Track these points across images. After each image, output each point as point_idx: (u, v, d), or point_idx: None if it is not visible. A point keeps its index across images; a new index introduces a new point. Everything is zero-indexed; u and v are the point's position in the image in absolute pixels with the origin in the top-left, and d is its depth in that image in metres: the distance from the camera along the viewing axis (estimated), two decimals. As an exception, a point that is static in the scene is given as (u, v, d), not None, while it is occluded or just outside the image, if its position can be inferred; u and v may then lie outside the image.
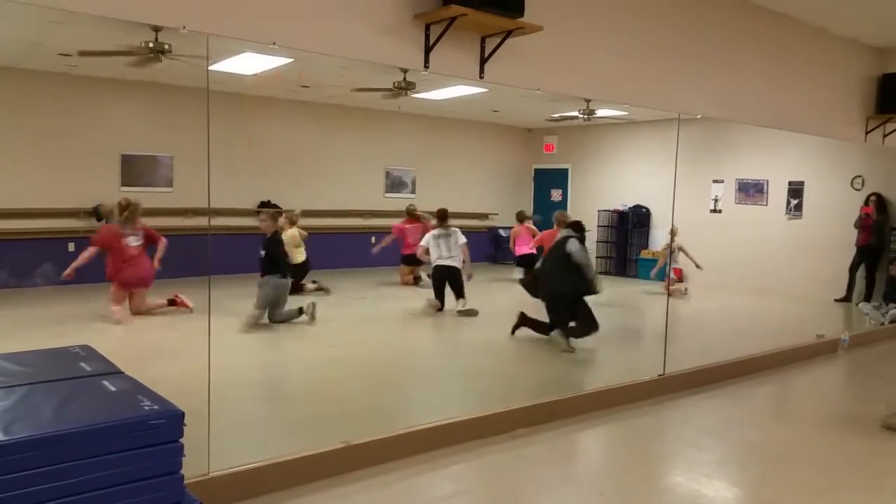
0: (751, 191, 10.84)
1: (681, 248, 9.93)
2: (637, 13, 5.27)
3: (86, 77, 9.05)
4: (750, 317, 9.04)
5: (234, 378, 5.13)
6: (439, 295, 8.08)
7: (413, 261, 9.37)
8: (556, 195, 13.48)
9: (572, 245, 6.45)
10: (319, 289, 8.81)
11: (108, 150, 9.42)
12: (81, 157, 9.20)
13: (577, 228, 6.68)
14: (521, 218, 10.25)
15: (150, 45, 6.23)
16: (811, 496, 3.59)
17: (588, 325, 6.45)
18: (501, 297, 9.66)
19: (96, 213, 9.22)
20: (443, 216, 8.35)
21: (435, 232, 8.24)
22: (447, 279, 8.05)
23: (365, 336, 7.09)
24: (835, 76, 7.16)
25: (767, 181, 10.62)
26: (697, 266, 9.78)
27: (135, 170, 9.66)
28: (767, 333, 7.62)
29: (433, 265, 8.17)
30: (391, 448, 3.79)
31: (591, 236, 12.52)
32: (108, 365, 3.04)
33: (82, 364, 3.01)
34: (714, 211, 11.10)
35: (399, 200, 11.94)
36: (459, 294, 8.01)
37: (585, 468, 3.98)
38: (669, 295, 7.28)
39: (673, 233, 9.67)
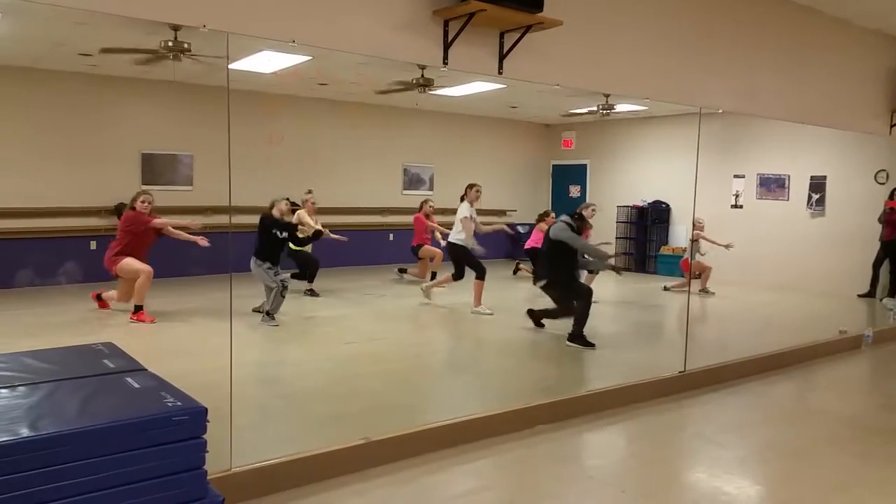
0: (772, 186, 10.73)
1: (700, 237, 9.70)
2: (657, 7, 5.22)
3: (106, 76, 9.14)
4: (772, 313, 8.95)
5: (254, 375, 5.17)
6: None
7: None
8: (574, 191, 13.44)
9: (554, 228, 6.57)
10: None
11: (128, 148, 9.51)
12: (102, 156, 9.29)
13: (571, 217, 6.73)
14: (540, 217, 10.30)
15: (170, 44, 6.28)
16: (834, 494, 3.55)
17: (560, 310, 6.63)
18: (520, 293, 9.64)
19: (118, 211, 9.31)
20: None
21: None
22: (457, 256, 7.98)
23: (383, 333, 7.11)
24: (858, 69, 7.05)
25: (789, 176, 10.51)
26: (727, 246, 9.50)
27: (155, 168, 9.75)
28: (790, 329, 7.54)
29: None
30: (411, 444, 3.80)
31: (611, 232, 12.49)
32: (131, 362, 3.07)
33: (106, 361, 3.05)
34: (735, 206, 11.01)
35: (416, 197, 11.96)
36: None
37: (606, 465, 3.96)
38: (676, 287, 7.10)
39: (697, 226, 9.51)
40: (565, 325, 6.54)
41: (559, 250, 6.51)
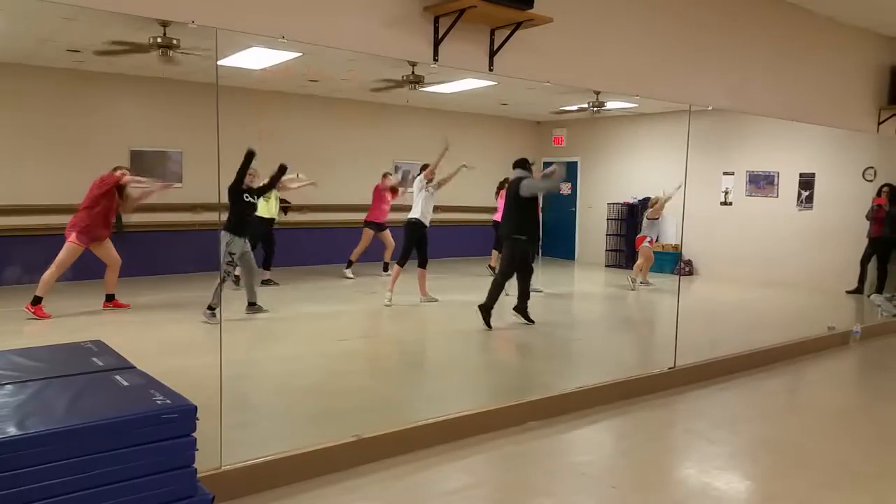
0: (761, 183, 10.78)
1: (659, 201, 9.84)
2: (647, 4, 5.24)
3: (94, 73, 9.07)
4: (761, 309, 9.00)
5: (245, 372, 5.15)
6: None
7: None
8: (564, 188, 13.44)
9: (523, 185, 6.79)
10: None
11: (117, 145, 9.43)
12: (91, 153, 9.21)
13: (522, 164, 7.03)
14: (501, 186, 10.17)
15: (159, 40, 6.24)
16: (823, 489, 3.57)
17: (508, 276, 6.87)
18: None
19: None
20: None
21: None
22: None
23: (375, 330, 7.10)
24: (847, 66, 7.10)
25: (778, 173, 10.56)
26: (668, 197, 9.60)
27: (144, 165, 9.67)
28: (779, 326, 7.59)
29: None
30: (403, 441, 3.80)
31: (601, 228, 12.52)
32: (120, 360, 3.06)
33: (95, 359, 3.03)
34: (724, 203, 11.05)
35: (408, 194, 11.93)
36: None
37: (597, 461, 3.97)
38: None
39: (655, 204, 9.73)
40: (556, 318, 6.56)
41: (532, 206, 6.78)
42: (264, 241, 8.70)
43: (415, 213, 7.97)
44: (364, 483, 3.44)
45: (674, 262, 10.62)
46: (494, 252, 10.23)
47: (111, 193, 7.12)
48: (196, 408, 2.52)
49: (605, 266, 12.59)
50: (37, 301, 6.78)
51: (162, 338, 6.38)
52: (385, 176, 9.79)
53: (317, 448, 3.53)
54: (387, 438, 3.76)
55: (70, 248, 6.97)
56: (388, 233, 9.73)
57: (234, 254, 6.83)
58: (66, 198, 9.05)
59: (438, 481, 3.57)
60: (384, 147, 11.89)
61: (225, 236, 6.81)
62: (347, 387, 5.03)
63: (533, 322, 6.80)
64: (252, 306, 7.11)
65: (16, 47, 7.83)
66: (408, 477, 3.55)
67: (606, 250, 12.70)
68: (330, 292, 8.89)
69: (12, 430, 2.20)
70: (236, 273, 7.24)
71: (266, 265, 8.79)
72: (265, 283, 8.64)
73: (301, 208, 9.03)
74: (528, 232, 6.85)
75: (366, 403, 4.60)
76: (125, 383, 2.71)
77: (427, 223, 7.97)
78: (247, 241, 7.06)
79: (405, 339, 6.96)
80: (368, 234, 9.71)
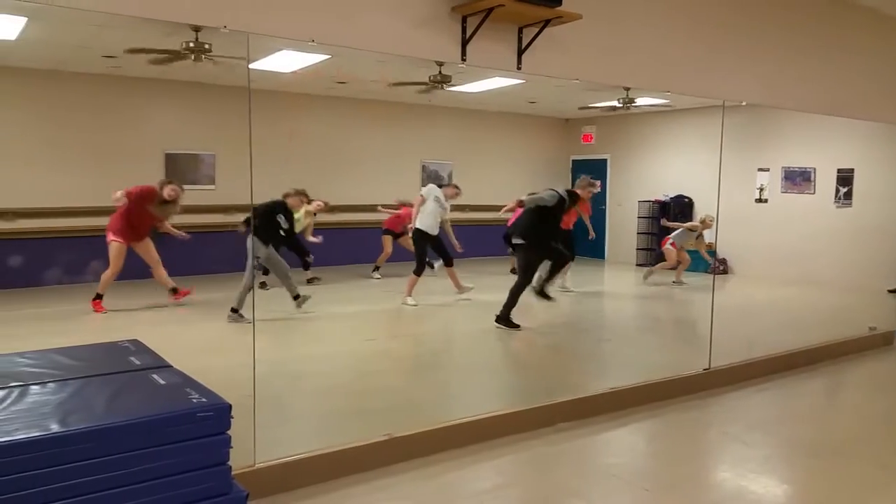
0: (797, 179, 10.58)
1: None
2: (678, -1, 5.17)
3: (129, 78, 9.25)
4: (799, 309, 8.84)
5: (277, 371, 5.20)
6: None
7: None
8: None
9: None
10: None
11: (151, 148, 9.62)
12: (126, 157, 9.40)
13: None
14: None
15: (191, 45, 6.34)
16: (863, 493, 3.49)
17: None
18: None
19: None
20: None
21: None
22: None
23: (403, 330, 7.12)
24: (887, 58, 6.92)
25: (815, 169, 10.35)
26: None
27: (178, 168, 9.83)
28: (817, 326, 7.44)
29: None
30: (434, 441, 3.80)
31: (632, 227, 12.41)
32: (156, 359, 3.11)
33: (132, 358, 3.09)
34: (759, 200, 10.86)
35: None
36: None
37: (630, 463, 3.93)
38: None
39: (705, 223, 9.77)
40: (587, 318, 6.51)
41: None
42: (295, 250, 8.87)
43: (421, 224, 8.04)
44: (395, 482, 3.45)
45: (707, 261, 10.47)
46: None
47: (144, 203, 7.38)
48: (231, 406, 2.55)
49: (636, 265, 12.46)
50: (97, 297, 7.22)
51: (197, 337, 6.47)
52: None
53: (348, 447, 3.56)
54: (418, 438, 3.77)
55: (113, 247, 7.34)
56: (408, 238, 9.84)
57: (259, 258, 7.04)
58: (104, 200, 9.25)
59: (469, 481, 3.57)
60: (412, 147, 11.94)
61: (250, 242, 7.00)
62: (377, 386, 5.05)
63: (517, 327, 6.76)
64: (297, 298, 7.27)
65: (53, 54, 8.02)
66: (439, 476, 3.56)
67: (637, 249, 12.57)
68: (358, 292, 8.94)
69: (55, 427, 2.26)
70: (262, 280, 7.40)
71: (305, 267, 8.98)
72: (310, 281, 8.93)
73: (332, 209, 9.14)
74: (528, 237, 6.87)
75: (396, 403, 4.62)
76: (162, 382, 2.75)
77: (434, 233, 8.05)
78: (271, 246, 7.23)
79: (433, 338, 6.97)
80: (388, 240, 9.99)
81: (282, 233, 7.41)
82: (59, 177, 8.91)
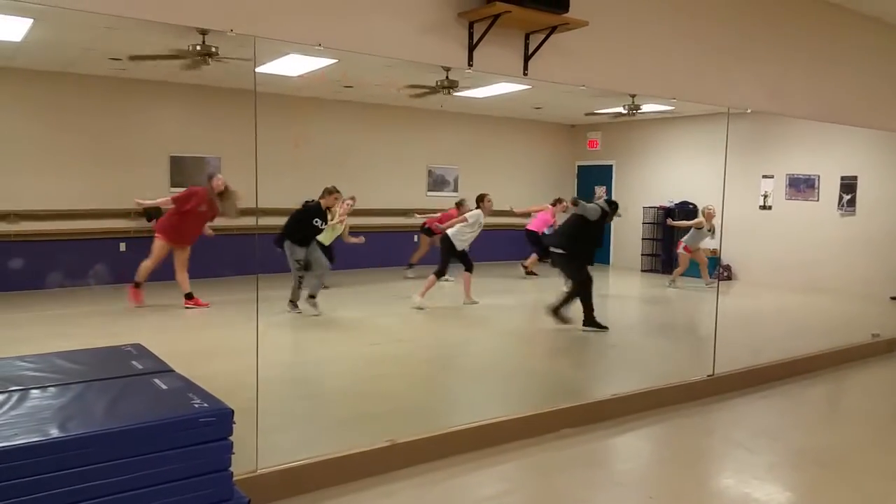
0: (801, 186, 10.56)
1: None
2: (684, 6, 5.16)
3: (135, 80, 9.26)
4: (802, 315, 8.81)
5: (280, 376, 5.19)
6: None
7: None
8: (599, 192, 13.34)
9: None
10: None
11: (157, 151, 9.63)
12: (131, 159, 9.42)
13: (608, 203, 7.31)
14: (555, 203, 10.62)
15: (198, 48, 6.34)
16: (867, 501, 3.47)
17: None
18: (545, 294, 9.58)
19: (147, 214, 9.44)
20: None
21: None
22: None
23: (408, 334, 7.11)
24: (890, 66, 6.90)
25: (819, 176, 10.33)
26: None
27: (184, 171, 9.85)
28: (821, 332, 7.41)
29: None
30: (437, 447, 3.79)
31: (636, 232, 12.38)
32: (158, 363, 3.10)
33: (134, 362, 3.08)
34: (764, 207, 10.84)
35: (441, 199, 11.94)
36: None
37: (634, 470, 3.91)
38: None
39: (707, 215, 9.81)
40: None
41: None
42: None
43: (454, 238, 8.29)
44: (398, 488, 3.43)
45: (712, 267, 10.45)
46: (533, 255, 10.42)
47: (195, 205, 7.63)
48: (233, 411, 2.53)
49: (641, 271, 12.44)
50: (137, 285, 7.55)
51: (200, 341, 6.47)
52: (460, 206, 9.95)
53: (351, 452, 3.54)
54: (421, 444, 3.75)
55: (156, 243, 7.63)
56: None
57: (299, 259, 7.44)
58: (107, 203, 9.27)
59: (473, 487, 3.55)
60: (419, 151, 11.94)
61: (289, 247, 7.45)
62: (380, 391, 5.04)
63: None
64: (313, 298, 7.50)
65: (58, 56, 8.03)
66: (442, 483, 3.54)
67: (642, 255, 12.56)
68: (363, 296, 8.93)
69: (54, 432, 2.24)
70: (310, 294, 7.62)
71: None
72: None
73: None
74: (567, 247, 7.18)
75: (399, 408, 4.60)
76: (163, 386, 2.74)
77: (461, 249, 8.32)
78: (307, 248, 7.54)
79: (439, 343, 6.94)
80: (425, 239, 10.24)
81: (314, 235, 7.69)
82: (62, 179, 8.92)
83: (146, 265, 7.55)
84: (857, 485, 3.68)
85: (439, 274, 8.25)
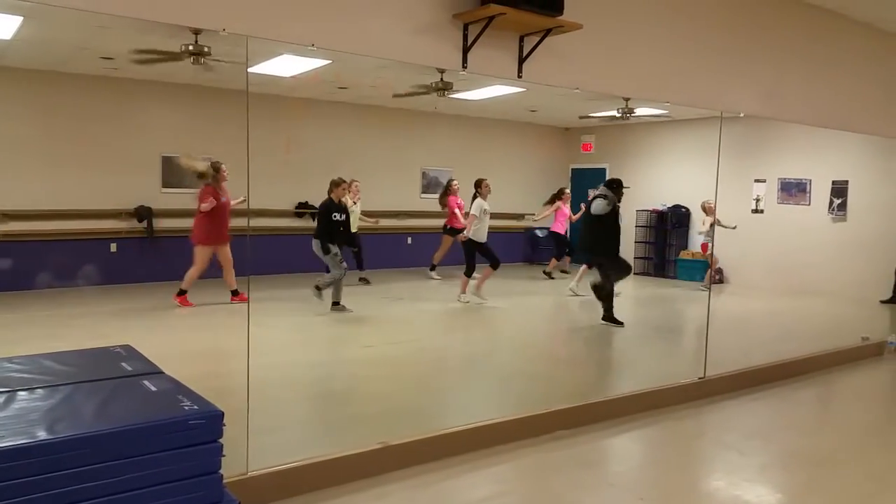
0: (793, 190, 10.60)
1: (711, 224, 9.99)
2: (678, 10, 5.17)
3: (127, 80, 9.21)
4: (793, 318, 8.84)
5: (272, 377, 5.16)
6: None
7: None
8: (593, 195, 13.33)
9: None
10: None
11: (149, 151, 9.58)
12: (123, 159, 9.36)
13: (609, 185, 7.48)
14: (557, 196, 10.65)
15: (191, 47, 6.31)
16: (858, 503, 3.48)
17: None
18: (537, 297, 9.60)
19: (138, 214, 9.39)
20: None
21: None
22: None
23: (402, 336, 7.09)
24: (883, 72, 6.94)
25: (810, 180, 10.37)
26: (732, 227, 9.78)
27: (176, 171, 9.79)
28: (811, 335, 7.44)
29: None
30: (430, 449, 3.78)
31: (630, 236, 12.38)
32: (148, 365, 3.07)
33: (123, 364, 3.05)
34: (756, 211, 10.88)
35: (435, 201, 11.93)
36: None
37: (626, 471, 3.91)
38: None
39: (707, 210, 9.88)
40: (584, 326, 6.50)
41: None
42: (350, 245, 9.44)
43: (473, 235, 8.54)
44: (390, 490, 3.42)
45: (703, 270, 10.48)
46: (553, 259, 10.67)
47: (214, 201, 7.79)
48: (223, 413, 2.51)
49: (634, 273, 12.45)
50: (181, 293, 7.66)
51: (191, 342, 6.43)
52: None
53: (343, 454, 3.53)
54: (413, 446, 3.74)
55: (197, 251, 7.81)
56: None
57: (337, 253, 7.60)
58: (99, 203, 9.22)
59: (466, 489, 3.54)
60: (412, 153, 11.92)
61: (317, 244, 7.59)
62: (374, 392, 5.02)
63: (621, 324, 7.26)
64: (319, 289, 7.68)
65: (50, 55, 7.98)
66: (435, 485, 3.53)
67: (635, 258, 12.56)
68: (355, 299, 8.89)
69: (42, 434, 2.22)
70: (317, 285, 7.72)
71: (359, 266, 9.55)
72: (361, 280, 9.56)
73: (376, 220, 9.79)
74: (593, 248, 7.49)
75: (391, 409, 4.59)
76: (153, 388, 2.72)
77: (483, 241, 8.54)
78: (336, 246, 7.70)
79: (433, 345, 6.93)
80: (447, 239, 10.27)
81: (341, 228, 7.83)
82: (52, 179, 8.85)
83: (192, 273, 7.69)
84: (847, 486, 3.69)
85: (468, 273, 8.48)
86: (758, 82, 5.80)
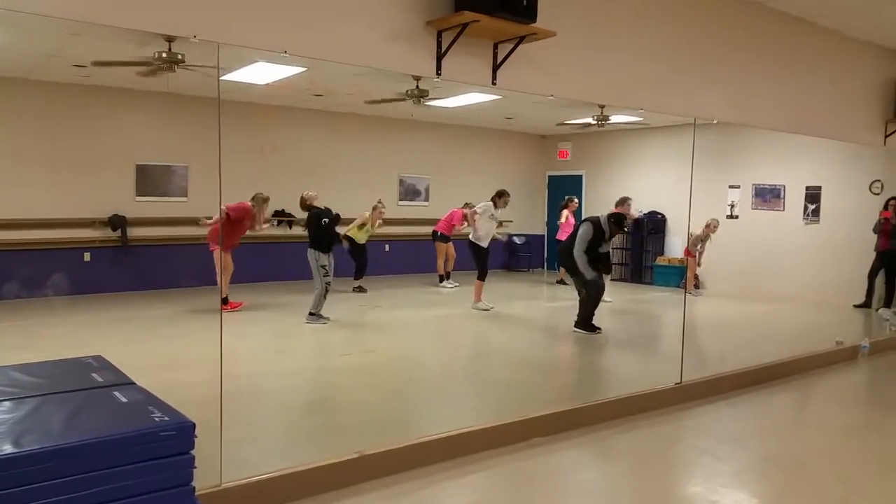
0: (767, 196, 10.73)
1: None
2: (651, 18, 5.22)
3: (99, 87, 9.11)
4: (768, 323, 8.93)
5: (247, 387, 5.11)
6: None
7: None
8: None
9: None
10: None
11: (123, 160, 9.47)
12: (96, 168, 9.25)
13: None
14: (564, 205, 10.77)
15: (164, 55, 6.25)
16: (834, 507, 3.51)
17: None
18: (517, 304, 9.61)
19: (112, 223, 9.27)
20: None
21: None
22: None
23: (378, 344, 7.06)
24: (853, 80, 7.07)
25: (784, 186, 10.51)
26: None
27: (150, 179, 9.71)
28: (786, 340, 7.52)
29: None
30: (406, 458, 3.75)
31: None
32: (119, 376, 3.03)
33: (94, 375, 3.00)
34: (731, 216, 11.00)
35: (412, 208, 11.93)
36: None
37: (602, 478, 3.92)
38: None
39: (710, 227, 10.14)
40: (560, 332, 6.51)
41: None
42: (358, 258, 9.95)
43: (474, 238, 8.77)
44: (366, 500, 3.39)
45: (679, 276, 10.57)
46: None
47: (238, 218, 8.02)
48: (194, 425, 2.48)
49: (610, 280, 12.51)
50: (225, 301, 7.67)
51: (164, 353, 6.35)
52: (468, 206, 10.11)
53: (319, 465, 3.49)
54: (389, 455, 3.71)
55: (215, 255, 8.03)
56: (451, 245, 10.58)
57: (325, 266, 7.53)
58: (72, 212, 9.09)
59: (442, 498, 3.53)
60: (388, 161, 11.91)
61: (313, 254, 7.51)
62: (350, 401, 4.99)
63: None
64: (311, 315, 7.58)
65: (20, 62, 7.87)
66: (411, 494, 3.50)
67: (612, 264, 12.63)
68: (332, 307, 8.85)
69: (8, 448, 2.18)
70: (311, 312, 7.64)
71: (358, 276, 9.97)
72: (356, 289, 9.80)
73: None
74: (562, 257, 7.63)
75: (368, 419, 4.56)
76: (124, 399, 2.68)
77: (484, 245, 8.74)
78: (331, 255, 7.67)
79: (409, 353, 6.90)
80: (440, 246, 10.61)
81: (331, 228, 7.86)
82: (24, 188, 8.71)
83: (224, 279, 7.73)
84: (822, 490, 3.73)
85: (481, 278, 8.65)
86: (731, 89, 5.87)
